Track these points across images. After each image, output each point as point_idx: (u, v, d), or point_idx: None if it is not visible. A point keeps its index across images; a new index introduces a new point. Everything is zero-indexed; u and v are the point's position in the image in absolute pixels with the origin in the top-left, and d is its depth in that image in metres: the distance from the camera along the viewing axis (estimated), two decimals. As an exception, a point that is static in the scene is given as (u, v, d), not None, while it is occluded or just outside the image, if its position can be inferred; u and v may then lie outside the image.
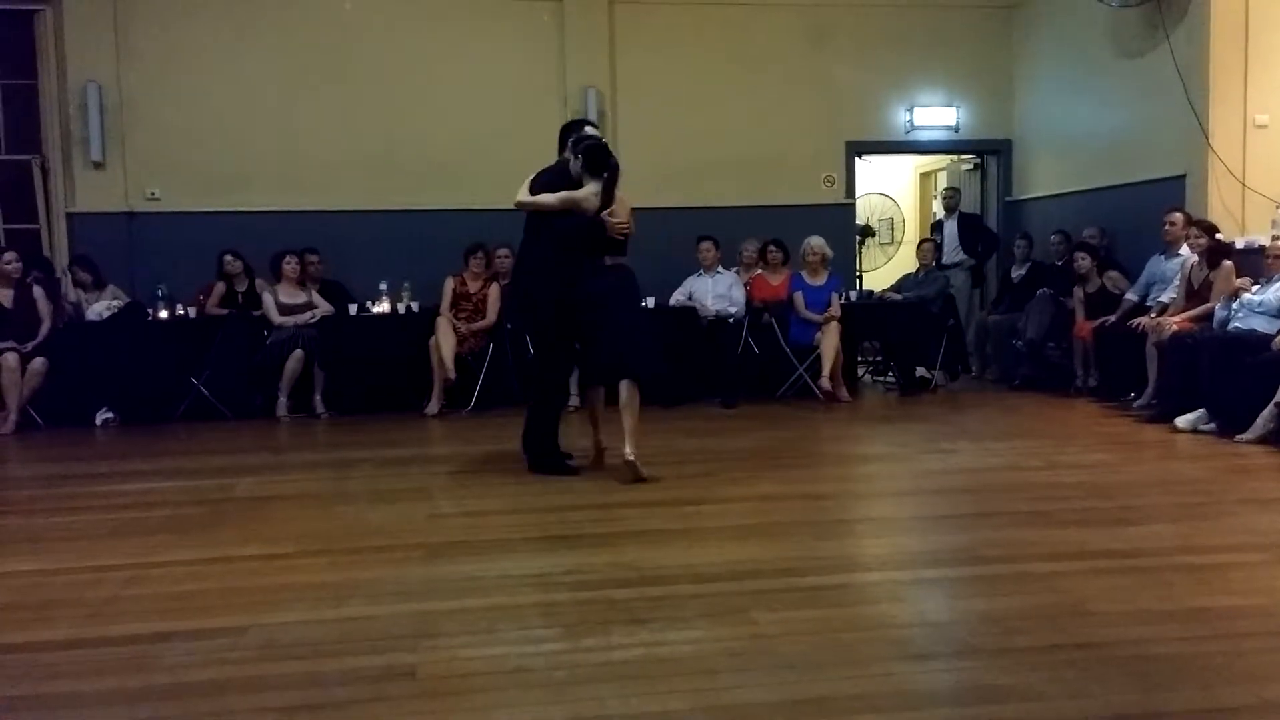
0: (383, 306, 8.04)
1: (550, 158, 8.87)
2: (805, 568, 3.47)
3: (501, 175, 8.84)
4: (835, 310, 7.93)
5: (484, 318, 7.85)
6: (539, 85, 8.99)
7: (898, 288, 8.82)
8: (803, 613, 3.02)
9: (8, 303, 7.38)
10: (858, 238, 10.11)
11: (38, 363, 7.22)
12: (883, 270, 10.66)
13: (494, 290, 7.93)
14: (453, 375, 7.57)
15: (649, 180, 9.07)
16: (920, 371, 8.45)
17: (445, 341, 7.60)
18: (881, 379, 9.07)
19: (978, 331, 9.04)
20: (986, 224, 9.83)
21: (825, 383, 7.68)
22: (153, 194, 8.39)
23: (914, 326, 8.36)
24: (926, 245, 9.07)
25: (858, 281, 9.78)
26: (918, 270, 8.92)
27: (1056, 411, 7.15)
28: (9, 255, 7.53)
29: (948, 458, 5.54)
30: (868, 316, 8.45)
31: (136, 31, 8.44)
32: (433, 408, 7.58)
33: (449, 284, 7.91)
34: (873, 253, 10.88)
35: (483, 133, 8.82)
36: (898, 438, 6.51)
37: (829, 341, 7.75)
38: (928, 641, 2.81)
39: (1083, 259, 7.76)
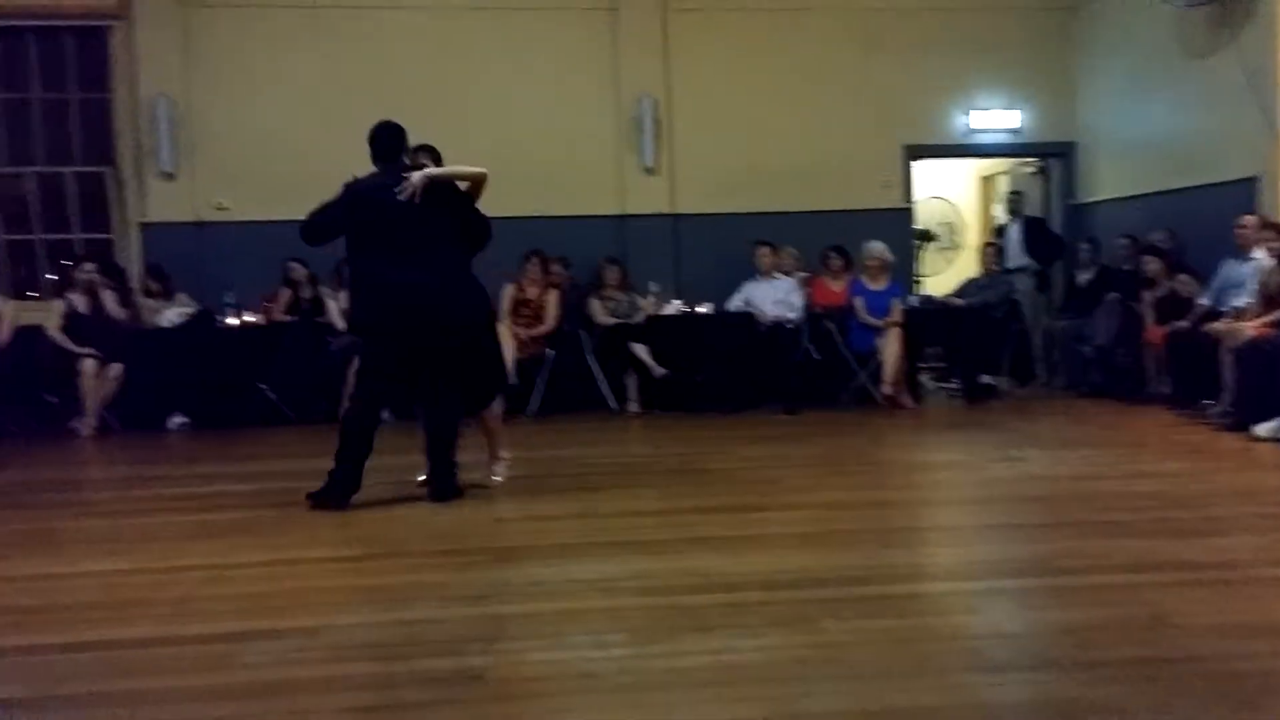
0: (443, 313, 8.10)
1: (607, 163, 9.01)
2: (874, 576, 3.42)
3: (557, 183, 8.99)
4: (897, 315, 7.85)
5: (543, 323, 7.89)
6: (594, 93, 9.03)
7: (960, 292, 8.70)
8: (873, 622, 2.98)
9: (84, 310, 7.60)
10: (916, 242, 9.99)
11: (114, 368, 7.41)
12: (942, 275, 10.52)
13: (552, 296, 7.97)
14: (513, 380, 7.60)
15: (704, 186, 9.10)
16: (985, 378, 8.31)
17: (505, 347, 7.64)
18: (945, 385, 8.93)
19: (1044, 337, 8.88)
20: (1051, 228, 9.65)
21: (887, 389, 7.60)
22: (220, 204, 8.57)
23: (978, 332, 8.23)
24: (989, 249, 8.94)
25: (917, 287, 9.66)
26: (981, 275, 8.79)
27: (1128, 419, 6.98)
28: (87, 265, 7.76)
29: (1016, 465, 5.43)
30: (930, 322, 8.33)
31: (204, 46, 8.63)
32: (493, 413, 7.62)
33: (508, 290, 7.97)
34: (932, 257, 10.74)
35: (538, 141, 8.87)
36: (963, 445, 6.41)
37: (891, 347, 7.67)
38: (1003, 653, 2.75)
39: (1151, 262, 7.58)
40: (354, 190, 4.63)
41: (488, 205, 8.71)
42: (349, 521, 4.38)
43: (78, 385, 7.34)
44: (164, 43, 8.55)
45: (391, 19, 8.83)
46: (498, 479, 5.10)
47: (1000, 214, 10.35)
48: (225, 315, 7.91)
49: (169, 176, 8.53)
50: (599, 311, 8.11)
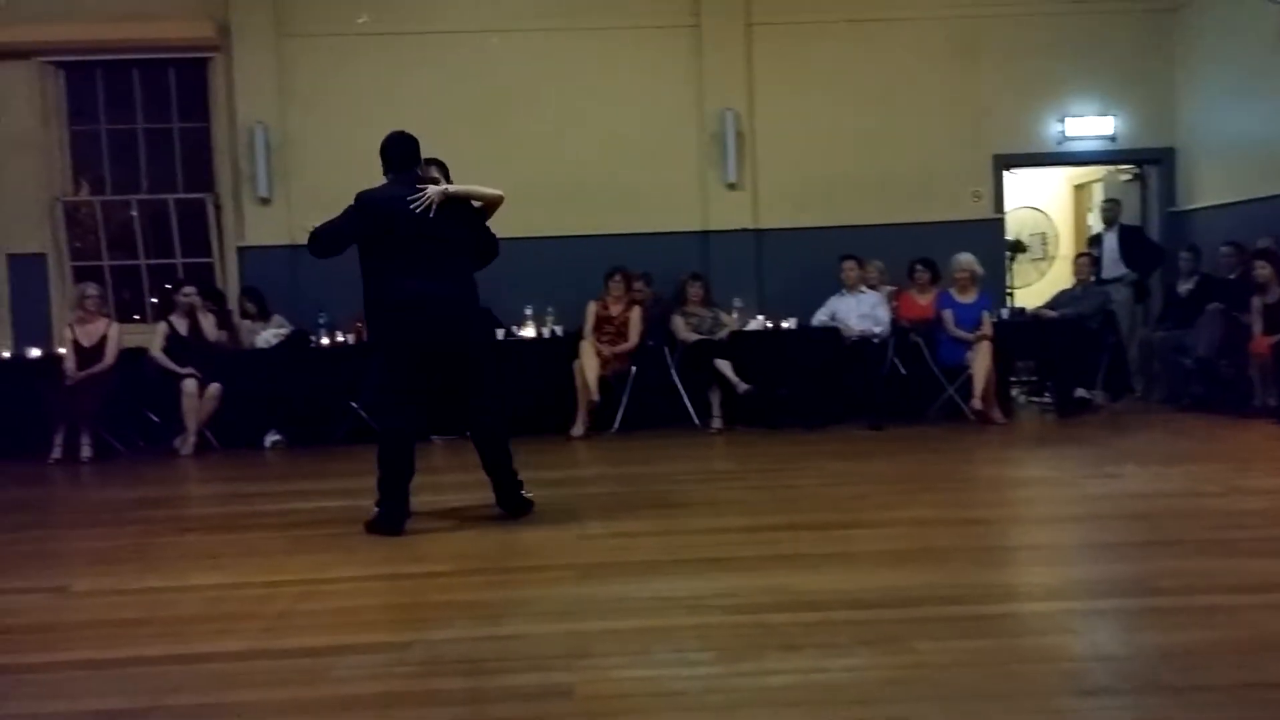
0: (528, 331, 8.22)
1: (689, 179, 9.02)
2: (967, 595, 3.35)
3: (640, 200, 9.05)
4: (987, 329, 7.69)
5: (626, 340, 7.93)
6: (676, 109, 9.07)
7: (1053, 304, 8.47)
8: (967, 642, 2.91)
9: (184, 331, 7.89)
10: (1008, 254, 9.77)
11: (213, 388, 7.68)
12: (1035, 287, 10.26)
13: (635, 313, 8.01)
14: (597, 397, 7.67)
15: (787, 201, 9.06)
16: (1079, 392, 8.07)
17: (589, 364, 7.71)
18: (1037, 400, 8.71)
19: (1142, 349, 8.59)
20: (1149, 236, 9.35)
21: (977, 403, 7.44)
22: (313, 227, 8.81)
23: (1072, 344, 8.01)
24: (1084, 260, 8.70)
25: (1008, 299, 9.45)
26: (1075, 286, 8.56)
27: (1232, 433, 6.71)
28: (188, 288, 8.07)
29: (1114, 482, 5.26)
30: (1021, 334, 8.14)
31: (299, 74, 8.93)
32: (578, 430, 7.69)
33: (591, 308, 8.04)
34: (1024, 269, 10.49)
35: (621, 158, 8.95)
36: (1057, 461, 6.24)
37: (981, 361, 7.51)
38: (1104, 676, 2.66)
39: (1263, 267, 7.29)
40: (368, 201, 4.56)
41: (571, 224, 8.92)
42: (437, 538, 4.45)
43: (179, 405, 7.63)
44: (260, 72, 8.87)
45: (479, 42, 9.00)
46: None
47: (1095, 223, 10.07)
48: (318, 335, 8.14)
49: (265, 201, 8.82)
50: (682, 328, 8.12)
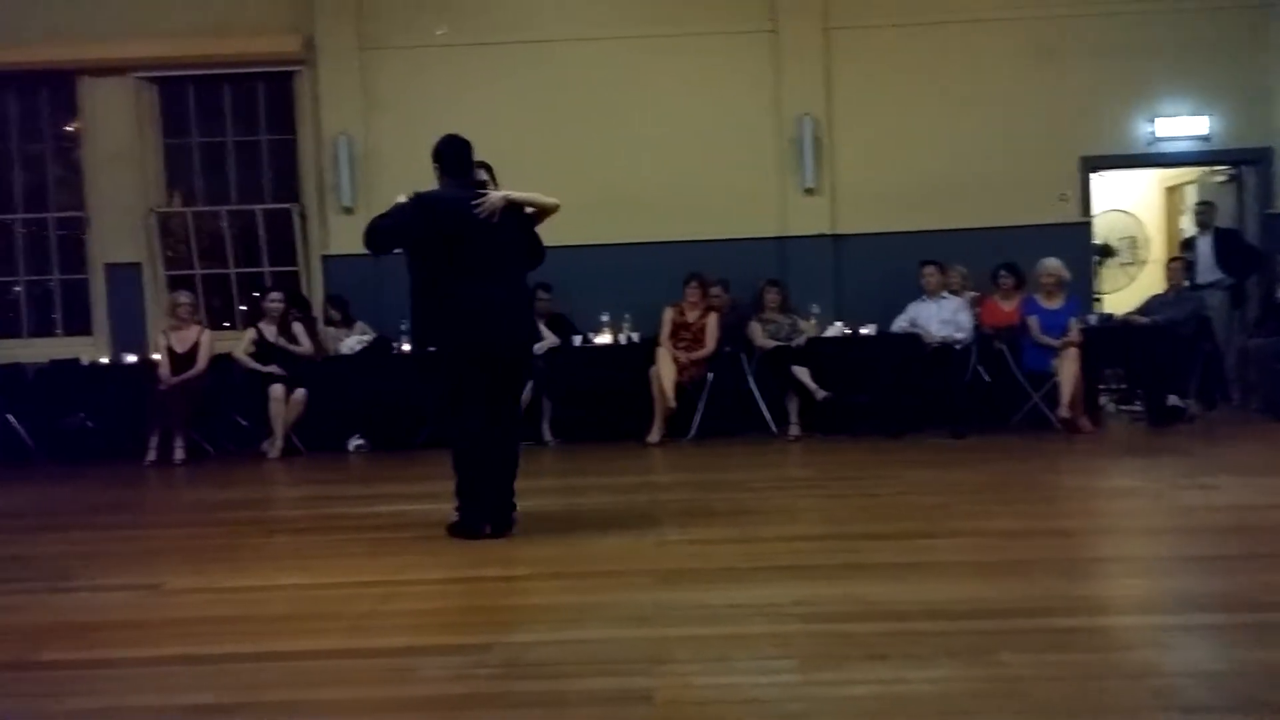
0: (605, 338, 8.26)
1: (767, 185, 8.98)
2: (1055, 608, 3.26)
3: (717, 206, 9.03)
4: (1074, 335, 7.49)
5: (703, 347, 7.92)
6: (754, 114, 9.04)
7: (1144, 310, 8.23)
8: (1055, 656, 2.83)
9: (272, 338, 8.12)
10: (1096, 258, 9.51)
11: (299, 393, 7.88)
12: (1124, 292, 9.99)
13: (712, 319, 7.99)
14: (673, 404, 7.67)
15: (866, 206, 8.95)
16: (1172, 400, 7.81)
17: (666, 371, 7.72)
18: (1127, 408, 8.46)
19: (1239, 357, 8.29)
20: (1246, 239, 9.02)
21: (1064, 412, 7.25)
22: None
23: (1164, 351, 7.76)
24: (1176, 264, 8.43)
25: (1096, 304, 9.19)
26: (1167, 291, 8.30)
27: (1336, 444, 6.43)
28: (274, 295, 8.30)
29: (1209, 494, 5.08)
30: (1110, 341, 7.91)
31: (380, 86, 9.12)
32: (654, 436, 7.70)
33: (668, 314, 8.05)
34: (1112, 273, 10.22)
35: (699, 164, 8.95)
36: (1148, 471, 6.04)
37: (1068, 368, 7.32)
38: (1198, 693, 2.56)
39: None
40: (427, 202, 4.50)
41: (647, 231, 8.94)
42: (515, 542, 4.48)
43: (267, 409, 7.84)
44: (344, 85, 9.09)
45: (557, 51, 9.08)
46: None
47: (1188, 226, 9.75)
48: (400, 342, 8.29)
49: (348, 211, 9.02)
50: (759, 334, 8.08)
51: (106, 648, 3.24)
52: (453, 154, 4.59)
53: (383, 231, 4.54)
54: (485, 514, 4.54)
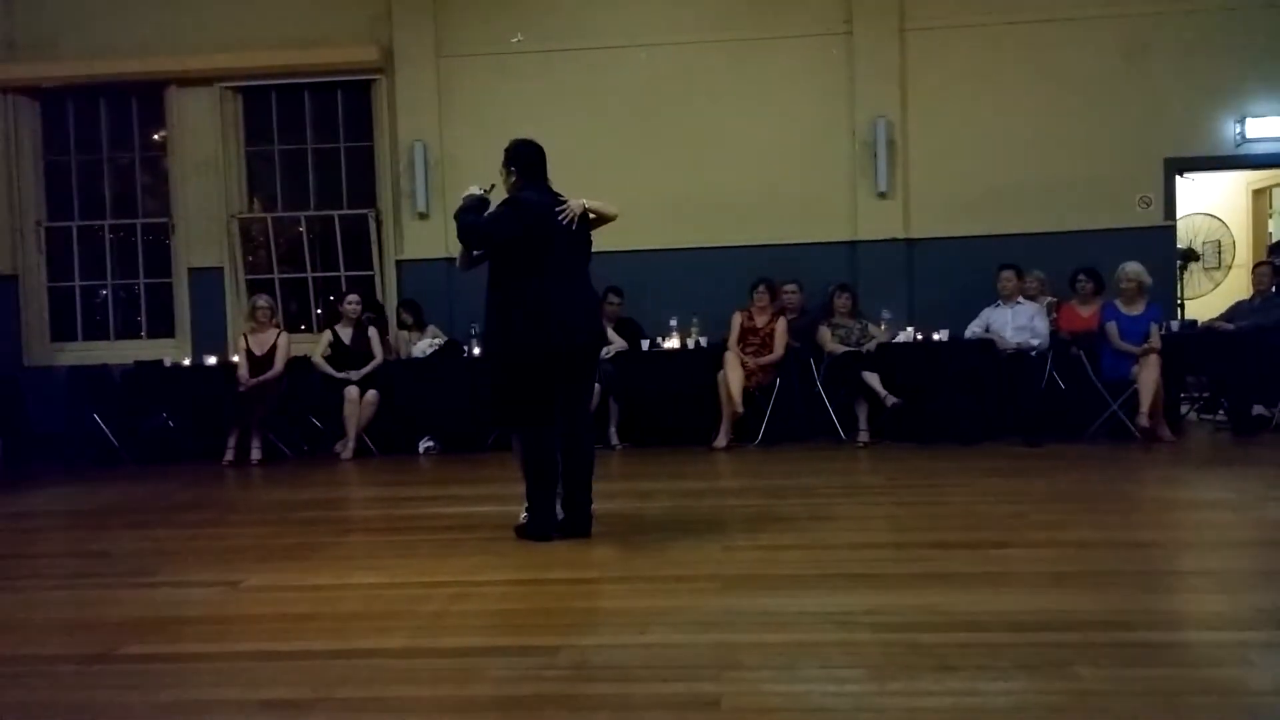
0: (673, 342, 8.26)
1: (839, 188, 8.89)
2: (1134, 621, 3.17)
3: (788, 209, 8.98)
4: (1155, 342, 7.29)
5: (771, 352, 7.88)
6: (827, 118, 8.97)
7: (1229, 316, 7.97)
8: (1135, 671, 2.75)
9: (348, 340, 8.29)
10: (1179, 263, 9.24)
11: (371, 395, 8.03)
12: (1208, 297, 9.69)
13: (780, 324, 7.95)
14: (741, 409, 7.64)
15: (940, 209, 8.82)
16: (1257, 409, 7.56)
17: (733, 376, 7.69)
18: (1210, 417, 8.20)
19: (1329, 365, 7.96)
20: (1339, 243, 8.69)
21: (1144, 420, 7.06)
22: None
23: (1249, 359, 7.51)
24: (1263, 269, 8.14)
25: (1179, 310, 8.92)
26: (1253, 297, 8.02)
27: None
28: (352, 297, 8.48)
29: (1298, 506, 4.90)
30: (1193, 348, 7.68)
31: (456, 93, 9.25)
32: (721, 441, 7.68)
33: (736, 319, 8.02)
34: (1196, 279, 9.92)
35: (771, 168, 8.92)
36: (1232, 482, 5.84)
37: (1148, 375, 7.11)
38: (1290, 714, 2.47)
39: None
40: (527, 205, 4.55)
41: (717, 235, 8.93)
42: (582, 545, 4.50)
43: (341, 411, 8.00)
44: (421, 92, 9.25)
45: (630, 56, 9.12)
46: None
47: (1276, 230, 9.42)
48: (471, 346, 8.40)
49: (423, 216, 9.18)
50: (829, 339, 8.01)
51: (187, 642, 3.34)
52: (533, 159, 4.68)
53: (485, 228, 4.57)
54: (555, 518, 4.59)
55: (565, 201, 4.60)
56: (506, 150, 4.72)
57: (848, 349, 7.91)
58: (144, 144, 9.90)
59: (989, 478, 6.03)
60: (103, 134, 9.83)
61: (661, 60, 9.11)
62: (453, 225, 4.72)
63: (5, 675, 3.05)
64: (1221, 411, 7.98)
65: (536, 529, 4.56)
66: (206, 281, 9.56)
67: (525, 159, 4.67)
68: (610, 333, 8.25)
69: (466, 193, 4.75)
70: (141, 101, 9.75)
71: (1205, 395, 8.40)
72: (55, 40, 9.45)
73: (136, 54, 9.27)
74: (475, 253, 4.71)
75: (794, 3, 9.00)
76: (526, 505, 4.63)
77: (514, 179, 4.66)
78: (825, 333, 8.05)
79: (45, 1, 9.49)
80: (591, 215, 4.70)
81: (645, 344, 8.26)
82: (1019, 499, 5.37)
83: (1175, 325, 8.00)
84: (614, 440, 7.96)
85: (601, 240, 9.04)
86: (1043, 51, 8.79)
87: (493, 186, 4.77)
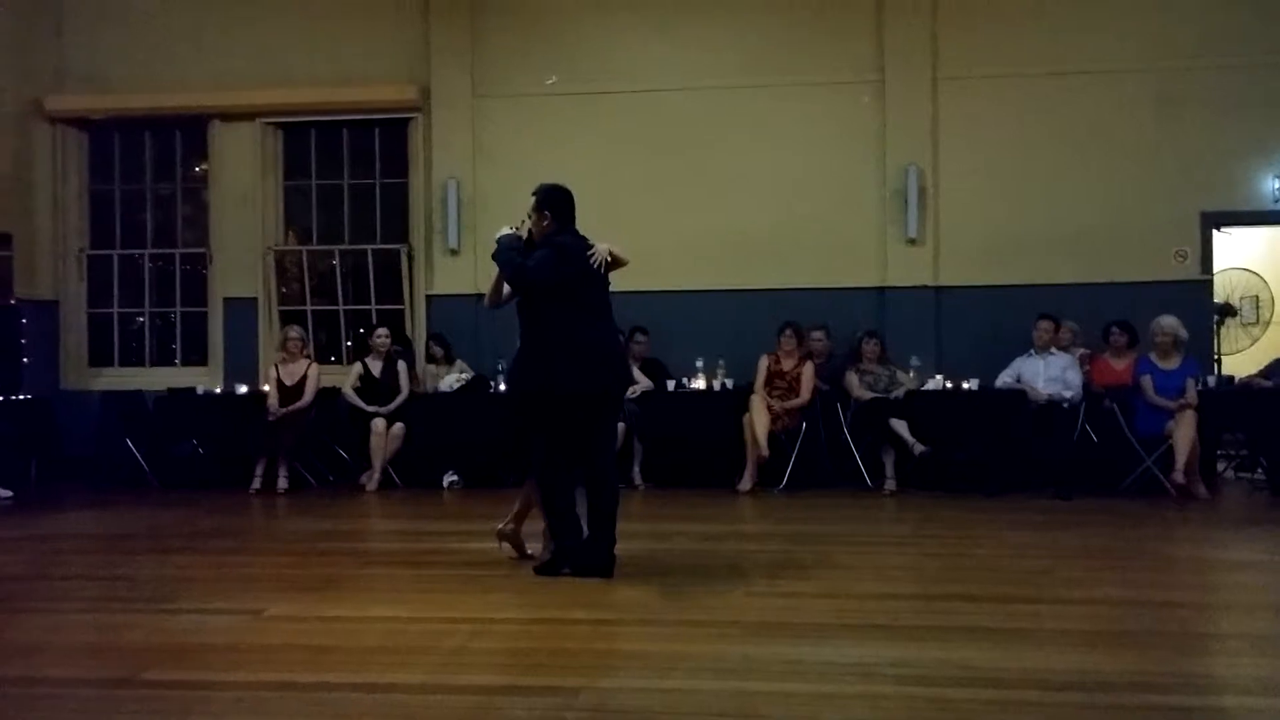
0: (699, 383, 8.24)
1: (869, 234, 8.88)
2: (1168, 684, 3.09)
3: (817, 254, 8.98)
4: (1192, 397, 7.18)
5: (798, 396, 7.84)
6: (858, 164, 8.98)
7: (1267, 372, 7.83)
8: (1168, 736, 2.69)
9: (377, 373, 8.34)
10: (1216, 318, 9.12)
11: (397, 428, 8.07)
12: (1246, 353, 9.55)
13: (808, 369, 7.91)
14: (766, 453, 7.59)
15: (970, 257, 8.79)
16: (1296, 469, 7.42)
17: (759, 419, 7.66)
18: (1247, 475, 8.05)
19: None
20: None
21: (1178, 477, 6.94)
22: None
23: (1288, 417, 7.38)
24: (1302, 326, 8.03)
25: (1216, 366, 8.80)
26: (1292, 353, 7.90)
27: None
28: (381, 331, 8.55)
29: (1338, 570, 4.79)
30: (1230, 404, 7.56)
31: (489, 132, 9.36)
32: (745, 484, 7.63)
33: (763, 362, 8.00)
34: (1233, 334, 9.79)
35: (799, 213, 8.93)
36: (1269, 543, 5.72)
37: (1184, 431, 7.00)
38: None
39: None
40: (569, 249, 4.67)
41: (746, 278, 8.94)
42: (603, 586, 4.46)
43: (367, 443, 8.03)
44: (456, 131, 9.36)
45: (663, 100, 9.19)
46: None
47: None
48: (498, 382, 8.41)
49: (454, 253, 9.26)
50: (856, 385, 7.97)
51: (207, 670, 3.33)
52: (567, 204, 4.80)
53: (531, 276, 4.64)
54: (581, 547, 4.62)
55: (593, 246, 4.70)
56: (540, 195, 4.80)
57: (875, 395, 7.85)
58: (185, 176, 10.08)
59: (1018, 530, 5.94)
60: (146, 165, 10.02)
61: (694, 104, 9.18)
62: (483, 262, 4.81)
63: (28, 697, 3.06)
64: (1259, 470, 7.83)
65: (551, 566, 4.60)
66: (240, 311, 9.67)
67: (560, 204, 4.77)
68: (636, 372, 8.27)
69: (500, 234, 4.83)
70: (185, 134, 9.94)
71: (1242, 453, 8.26)
72: (104, 74, 9.68)
73: (182, 89, 9.47)
74: (506, 291, 4.76)
75: (827, 49, 9.06)
76: (548, 544, 4.64)
77: (547, 223, 4.74)
78: (853, 378, 8.01)
79: (95, 36, 9.73)
80: (608, 259, 4.78)
81: (671, 384, 8.25)
82: (1048, 554, 5.28)
83: (1212, 381, 7.88)
84: (637, 480, 7.93)
85: (630, 280, 9.06)
86: (1076, 103, 8.77)
87: (523, 223, 4.82)
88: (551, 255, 4.63)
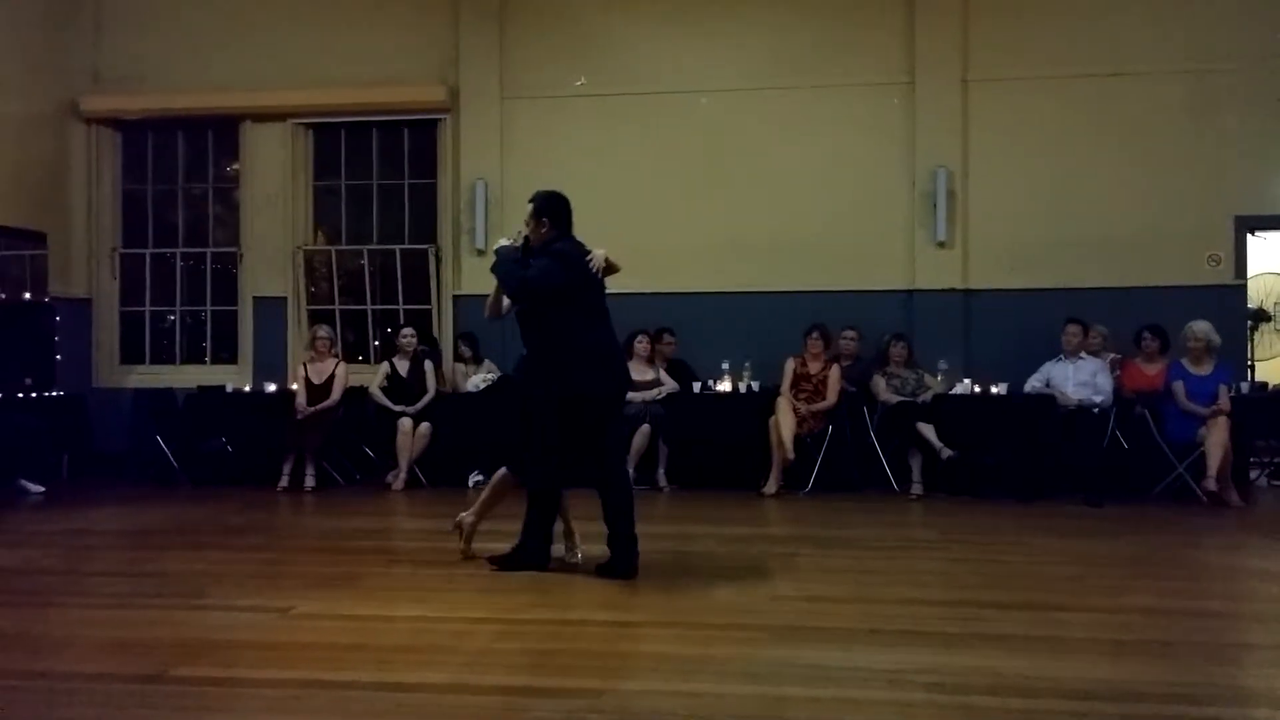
0: (725, 385, 8.23)
1: (897, 237, 8.83)
2: (1200, 695, 3.05)
3: (845, 256, 8.94)
4: (1224, 403, 7.09)
5: (824, 399, 7.80)
6: (886, 167, 8.93)
7: (1302, 379, 7.74)
8: (1201, 748, 2.65)
9: (404, 372, 8.38)
10: (1250, 323, 9.00)
11: (424, 427, 8.10)
12: (1280, 359, 9.43)
13: (834, 371, 7.88)
14: (792, 455, 7.56)
15: (999, 261, 8.72)
16: (1331, 477, 7.31)
17: (785, 421, 7.63)
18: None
19: None
20: None
21: (1211, 484, 6.85)
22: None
23: (1323, 424, 7.28)
24: (1338, 332, 7.91)
25: (1249, 372, 8.68)
26: (1328, 360, 7.79)
27: None
28: (407, 330, 8.59)
29: (1375, 581, 4.70)
30: (1263, 411, 7.47)
31: (518, 133, 9.39)
32: (770, 487, 7.60)
33: (789, 364, 7.97)
34: (1268, 339, 9.66)
35: (828, 215, 8.90)
36: (1305, 552, 5.64)
37: (1216, 438, 6.91)
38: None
39: None
40: (573, 256, 4.71)
41: (773, 280, 8.91)
42: (626, 588, 4.47)
43: (394, 442, 8.07)
44: (484, 132, 9.40)
45: (690, 102, 9.19)
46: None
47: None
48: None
49: (481, 253, 9.26)
50: (883, 389, 7.92)
51: (235, 667, 3.36)
52: (565, 211, 4.84)
53: (534, 285, 4.68)
54: (548, 554, 4.83)
55: (590, 252, 4.75)
56: (537, 201, 4.84)
57: (902, 399, 7.80)
58: (217, 176, 10.17)
59: (1047, 537, 5.88)
60: (179, 165, 10.12)
61: (721, 105, 9.16)
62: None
63: (58, 692, 3.09)
64: (1293, 477, 7.73)
65: (525, 557, 4.76)
66: (270, 310, 9.75)
67: (558, 210, 4.82)
68: (662, 374, 8.26)
69: (498, 245, 4.91)
70: (217, 135, 10.03)
71: (1276, 460, 8.14)
72: (138, 74, 9.78)
73: (214, 89, 9.57)
74: (506, 303, 4.87)
75: (856, 51, 9.02)
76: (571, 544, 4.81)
77: (545, 229, 4.78)
78: (879, 382, 7.96)
79: (130, 37, 9.85)
80: (604, 264, 4.81)
81: (697, 386, 8.23)
82: (1078, 560, 5.22)
83: (1245, 387, 7.78)
84: (662, 482, 7.92)
85: (657, 281, 9.12)
86: (1107, 106, 8.69)
87: (520, 234, 4.84)
88: (553, 264, 4.67)
